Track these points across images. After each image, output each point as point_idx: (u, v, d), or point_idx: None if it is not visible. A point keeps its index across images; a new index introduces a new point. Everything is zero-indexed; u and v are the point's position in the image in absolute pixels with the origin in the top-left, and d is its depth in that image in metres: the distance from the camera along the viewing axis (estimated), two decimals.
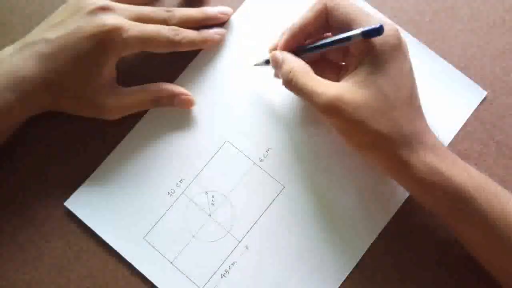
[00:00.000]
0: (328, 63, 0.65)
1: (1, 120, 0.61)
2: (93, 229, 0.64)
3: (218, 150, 0.66)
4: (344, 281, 0.63)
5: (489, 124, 0.67)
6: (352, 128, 0.58)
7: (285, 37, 0.63)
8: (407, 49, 0.59)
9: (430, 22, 0.70)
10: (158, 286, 0.63)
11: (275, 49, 0.64)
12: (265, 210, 0.65)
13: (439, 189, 0.57)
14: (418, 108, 0.60)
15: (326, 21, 0.61)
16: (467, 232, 0.59)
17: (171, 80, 0.68)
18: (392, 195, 0.65)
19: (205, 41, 0.67)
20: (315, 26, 0.61)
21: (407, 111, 0.58)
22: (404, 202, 0.64)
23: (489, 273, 0.60)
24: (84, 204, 0.65)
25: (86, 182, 0.66)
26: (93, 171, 0.66)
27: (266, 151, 0.66)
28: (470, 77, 0.68)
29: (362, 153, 0.62)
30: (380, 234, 0.64)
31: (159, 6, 0.69)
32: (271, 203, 0.65)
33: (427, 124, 0.60)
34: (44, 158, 0.66)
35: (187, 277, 0.63)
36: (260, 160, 0.66)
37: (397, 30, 0.58)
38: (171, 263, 0.63)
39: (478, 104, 0.67)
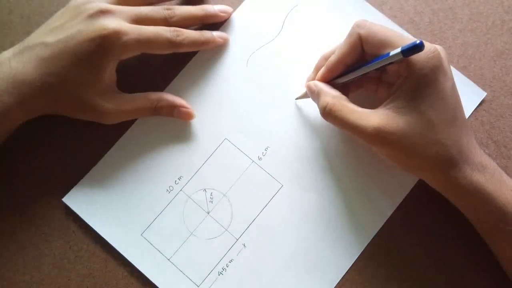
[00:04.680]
0: (366, 78, 0.64)
1: (0, 123, 0.61)
2: (91, 225, 0.64)
3: (217, 147, 0.66)
4: (341, 280, 0.63)
5: (488, 124, 0.67)
6: (399, 154, 0.58)
7: (323, 71, 0.63)
8: (448, 65, 0.58)
9: (429, 23, 0.70)
10: (155, 283, 0.63)
11: (312, 79, 0.65)
12: (263, 208, 0.65)
13: (483, 207, 0.57)
14: (463, 125, 0.59)
15: (362, 50, 0.60)
16: (507, 252, 0.60)
17: (171, 78, 0.68)
18: (390, 194, 0.65)
19: (206, 43, 0.67)
20: (352, 58, 0.61)
21: (452, 131, 0.57)
22: (402, 202, 0.65)
23: None
24: (83, 200, 0.65)
25: (85, 178, 0.66)
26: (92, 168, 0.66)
27: (265, 150, 0.66)
28: (470, 78, 0.68)
29: (411, 174, 0.63)
30: (377, 233, 0.64)
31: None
32: (269, 201, 0.65)
33: (473, 141, 0.59)
34: (43, 159, 0.67)
35: (184, 274, 0.63)
36: (259, 158, 0.66)
37: (436, 50, 0.56)
38: (169, 260, 0.63)
39: (477, 105, 0.67)
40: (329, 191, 0.65)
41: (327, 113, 0.60)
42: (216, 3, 0.70)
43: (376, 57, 0.58)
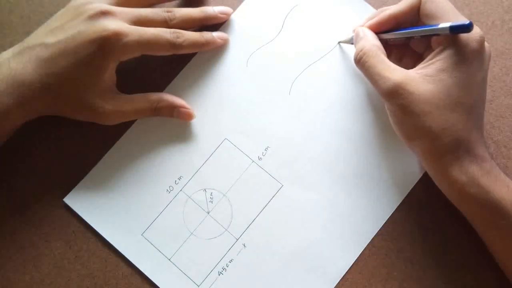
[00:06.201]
0: (410, 51, 0.65)
1: (0, 124, 0.61)
2: (92, 225, 0.64)
3: (217, 147, 0.66)
4: (341, 279, 0.63)
5: (488, 124, 0.67)
6: (406, 118, 0.58)
7: (374, 20, 0.64)
8: (488, 59, 0.59)
9: None
10: (155, 282, 0.63)
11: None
12: (263, 208, 0.65)
13: (476, 201, 0.57)
14: (479, 119, 0.59)
15: (417, 14, 0.61)
16: (500, 245, 0.60)
17: (170, 78, 0.68)
18: (390, 194, 0.65)
19: (207, 44, 0.67)
20: (405, 17, 0.62)
21: (466, 118, 0.57)
22: (402, 202, 0.65)
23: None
24: (83, 200, 0.65)
25: (85, 178, 0.66)
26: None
27: (265, 150, 0.66)
28: None
29: (408, 145, 0.62)
30: (377, 233, 0.64)
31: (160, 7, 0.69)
32: (269, 202, 0.65)
33: (482, 136, 0.59)
34: (43, 159, 0.67)
35: (184, 274, 0.63)
36: (259, 158, 0.66)
37: (482, 37, 0.58)
38: (169, 259, 0.63)
39: None
40: (329, 191, 0.65)
41: (359, 57, 0.61)
42: (216, 3, 0.70)
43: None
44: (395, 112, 0.59)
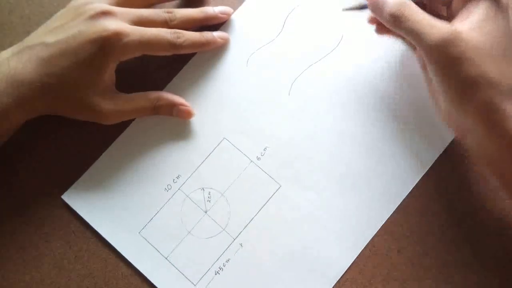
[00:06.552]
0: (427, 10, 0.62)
1: (0, 124, 0.61)
2: (89, 223, 0.64)
3: (215, 147, 0.66)
4: (341, 279, 0.63)
5: None
6: (463, 67, 0.55)
7: None
8: None
9: None
10: (152, 281, 0.63)
11: None
12: (261, 208, 0.65)
13: None
14: None
15: None
16: None
17: (170, 78, 0.68)
18: (389, 196, 0.65)
19: (207, 44, 0.67)
20: None
21: None
22: (402, 202, 0.65)
23: None
24: (81, 198, 0.65)
25: (84, 176, 0.66)
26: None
27: (264, 150, 0.66)
28: None
29: (459, 101, 0.57)
30: (377, 233, 0.64)
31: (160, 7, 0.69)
32: (267, 202, 0.65)
33: None
34: (43, 158, 0.67)
35: (181, 273, 0.63)
36: (258, 158, 0.66)
37: None
38: (166, 258, 0.63)
39: None
40: (328, 191, 0.65)
41: (396, 16, 0.58)
42: (216, 3, 0.70)
43: None
44: (447, 64, 0.56)
